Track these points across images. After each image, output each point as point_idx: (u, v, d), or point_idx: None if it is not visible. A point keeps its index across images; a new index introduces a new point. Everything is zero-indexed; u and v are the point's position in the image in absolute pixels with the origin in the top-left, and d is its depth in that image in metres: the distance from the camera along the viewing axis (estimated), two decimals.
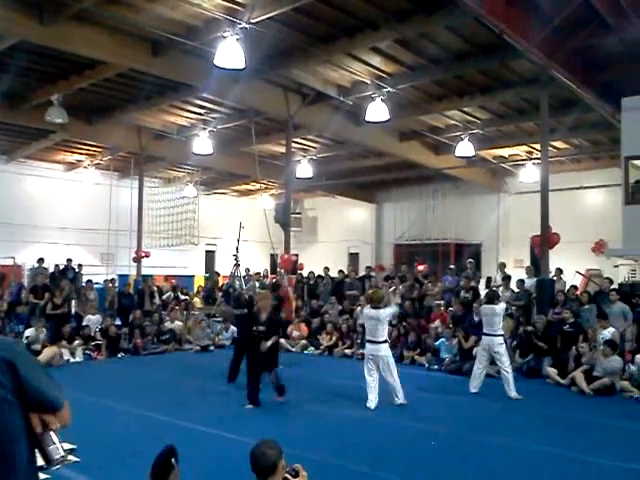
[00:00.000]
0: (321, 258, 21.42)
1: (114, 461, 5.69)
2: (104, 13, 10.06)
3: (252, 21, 9.76)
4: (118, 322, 14.46)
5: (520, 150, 18.65)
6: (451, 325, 12.25)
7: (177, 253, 21.64)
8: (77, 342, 12.58)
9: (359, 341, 12.99)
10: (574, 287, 12.74)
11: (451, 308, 13.07)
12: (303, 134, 17.13)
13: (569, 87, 11.91)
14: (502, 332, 9.19)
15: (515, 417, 7.95)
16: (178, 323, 14.79)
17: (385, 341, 8.42)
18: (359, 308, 13.74)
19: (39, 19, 10.04)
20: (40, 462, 2.02)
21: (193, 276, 22.17)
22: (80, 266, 17.65)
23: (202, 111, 15.73)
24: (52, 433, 1.97)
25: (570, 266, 14.72)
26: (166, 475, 2.38)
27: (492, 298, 9.37)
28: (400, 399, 8.26)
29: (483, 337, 9.22)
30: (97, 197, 20.78)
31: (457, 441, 6.67)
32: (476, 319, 10.84)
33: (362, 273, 17.10)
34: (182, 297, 17.67)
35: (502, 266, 14.63)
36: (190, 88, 13.42)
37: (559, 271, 13.15)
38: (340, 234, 24.70)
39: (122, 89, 14.11)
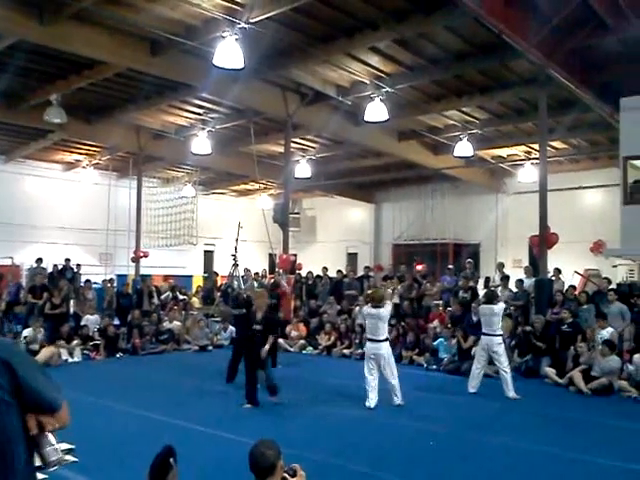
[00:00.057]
0: (320, 258, 21.41)
1: (112, 461, 5.69)
2: (103, 13, 10.05)
3: (251, 21, 9.76)
4: (116, 322, 14.46)
5: (519, 150, 18.66)
6: (450, 325, 12.26)
7: (176, 253, 21.62)
8: (75, 342, 12.56)
9: (357, 341, 13.00)
10: (572, 287, 12.76)
11: (450, 308, 13.08)
12: (302, 134, 17.12)
13: (568, 87, 11.92)
14: (501, 332, 9.22)
15: (513, 417, 7.96)
16: (176, 323, 14.78)
17: (386, 339, 8.43)
18: (357, 308, 13.76)
19: (39, 19, 10.03)
20: (38, 462, 2.02)
21: (192, 276, 22.15)
22: (79, 266, 17.64)
23: (201, 111, 15.72)
24: (49, 435, 1.96)
25: (568, 266, 14.75)
26: (164, 475, 2.38)
27: (491, 298, 9.39)
28: (399, 399, 8.26)
29: (482, 337, 9.24)
30: (96, 197, 20.74)
31: (456, 441, 6.68)
32: (474, 319, 10.86)
33: (361, 273, 17.11)
34: (181, 297, 17.65)
35: (501, 266, 14.64)
36: (189, 88, 13.41)
37: (557, 271, 13.16)
38: (339, 234, 24.71)
39: (121, 89, 14.10)
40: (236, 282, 13.74)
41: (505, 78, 12.98)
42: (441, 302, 13.71)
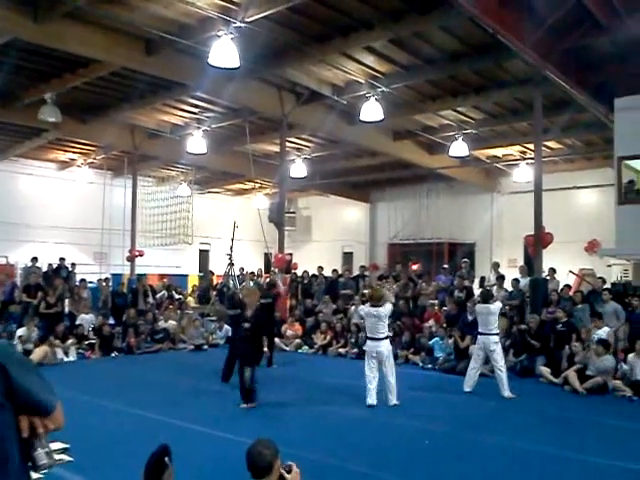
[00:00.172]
0: (315, 257, 21.42)
1: (108, 460, 5.66)
2: (98, 11, 10.02)
3: (246, 20, 9.76)
4: (112, 321, 14.45)
5: (514, 150, 18.70)
6: (445, 324, 12.29)
7: (171, 252, 21.57)
8: (70, 341, 12.53)
9: (353, 340, 13.01)
10: (567, 286, 12.79)
11: (445, 307, 13.10)
12: (297, 133, 17.12)
13: (562, 87, 11.94)
14: (497, 331, 9.23)
15: (509, 416, 7.97)
16: (172, 322, 14.75)
17: (386, 337, 8.44)
18: (353, 307, 13.77)
19: (33, 17, 9.99)
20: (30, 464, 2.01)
21: (187, 275, 22.15)
22: (73, 265, 17.61)
23: (196, 110, 15.70)
24: (41, 438, 1.94)
25: (563, 266, 14.78)
26: (160, 474, 2.37)
27: (486, 297, 9.42)
28: (394, 399, 8.26)
29: (478, 336, 9.24)
30: (90, 196, 20.68)
31: (453, 440, 6.68)
32: (470, 318, 10.88)
33: (356, 272, 17.12)
34: (176, 296, 17.65)
35: (496, 266, 14.64)
36: (184, 87, 13.39)
37: (552, 271, 13.19)
38: (334, 233, 24.71)
39: (116, 88, 14.06)
40: (232, 281, 13.74)
41: (500, 78, 13.02)
42: (436, 301, 13.73)
